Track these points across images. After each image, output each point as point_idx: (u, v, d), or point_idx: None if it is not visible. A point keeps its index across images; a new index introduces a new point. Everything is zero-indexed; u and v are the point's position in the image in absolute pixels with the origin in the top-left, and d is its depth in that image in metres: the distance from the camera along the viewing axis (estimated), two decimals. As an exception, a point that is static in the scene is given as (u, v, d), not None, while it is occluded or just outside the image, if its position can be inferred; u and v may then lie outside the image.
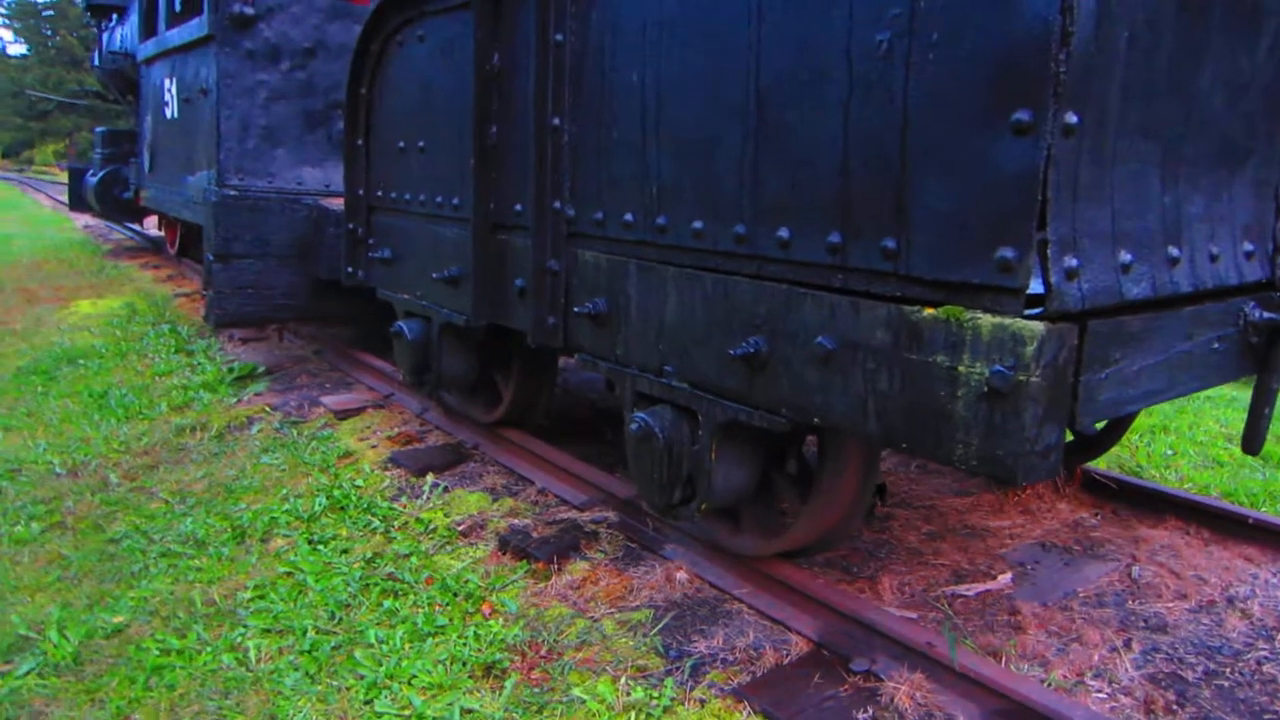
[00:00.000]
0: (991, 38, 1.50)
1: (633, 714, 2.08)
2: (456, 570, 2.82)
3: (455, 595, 2.68)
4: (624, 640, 2.38)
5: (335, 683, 2.34)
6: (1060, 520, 3.20)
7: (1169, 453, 4.32)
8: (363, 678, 2.33)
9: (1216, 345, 2.00)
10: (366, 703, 2.24)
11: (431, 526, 3.15)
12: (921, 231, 1.66)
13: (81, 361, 5.67)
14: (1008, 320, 1.53)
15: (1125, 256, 1.68)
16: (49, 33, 54.39)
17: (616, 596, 2.61)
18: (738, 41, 1.98)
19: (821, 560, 2.77)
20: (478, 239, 2.93)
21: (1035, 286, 1.54)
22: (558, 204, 2.61)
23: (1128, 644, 2.33)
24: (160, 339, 6.05)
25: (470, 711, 2.16)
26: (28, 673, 2.53)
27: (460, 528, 3.11)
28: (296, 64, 4.31)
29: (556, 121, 2.56)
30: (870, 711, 2.02)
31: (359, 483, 3.54)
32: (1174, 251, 1.82)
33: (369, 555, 2.97)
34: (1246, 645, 2.36)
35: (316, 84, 4.41)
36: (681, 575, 2.66)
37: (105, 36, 9.16)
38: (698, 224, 2.15)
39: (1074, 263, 1.54)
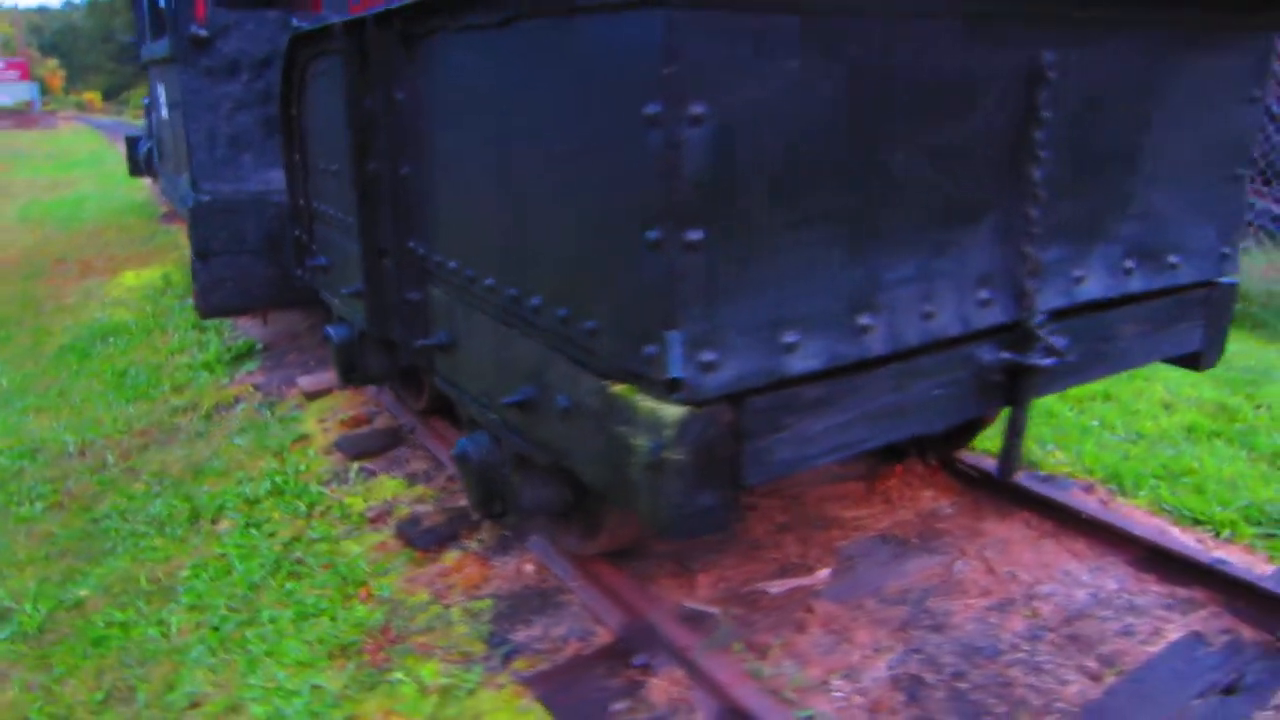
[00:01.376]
0: (629, 168, 1.73)
1: (439, 696, 2.49)
2: (353, 555, 3.27)
3: (344, 580, 3.12)
4: (462, 627, 2.78)
5: (228, 657, 2.82)
6: (916, 510, 3.42)
7: (1094, 423, 4.42)
8: (249, 653, 2.80)
9: (938, 391, 2.19)
10: (245, 675, 2.71)
11: (348, 512, 3.60)
12: (606, 321, 1.92)
13: (112, 339, 6.34)
14: (655, 404, 1.80)
15: (790, 338, 1.89)
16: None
17: (472, 585, 3.00)
18: (489, 130, 2.24)
19: (664, 552, 3.09)
20: (366, 262, 3.27)
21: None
22: (412, 243, 2.92)
23: (895, 644, 2.59)
24: (182, 315, 6.66)
25: (318, 688, 2.60)
26: (4, 639, 3.11)
27: (371, 514, 3.55)
28: (254, 75, 4.66)
29: (406, 170, 2.85)
30: (627, 703, 2.37)
31: (303, 467, 4.01)
32: (865, 320, 2.01)
33: (288, 539, 3.45)
34: (1011, 647, 2.60)
35: (275, 92, 4.76)
36: (529, 568, 3.04)
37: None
38: (489, 280, 2.44)
39: (711, 356, 1.78)
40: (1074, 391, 4.90)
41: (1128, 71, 2.28)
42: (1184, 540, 3.26)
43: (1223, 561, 2.86)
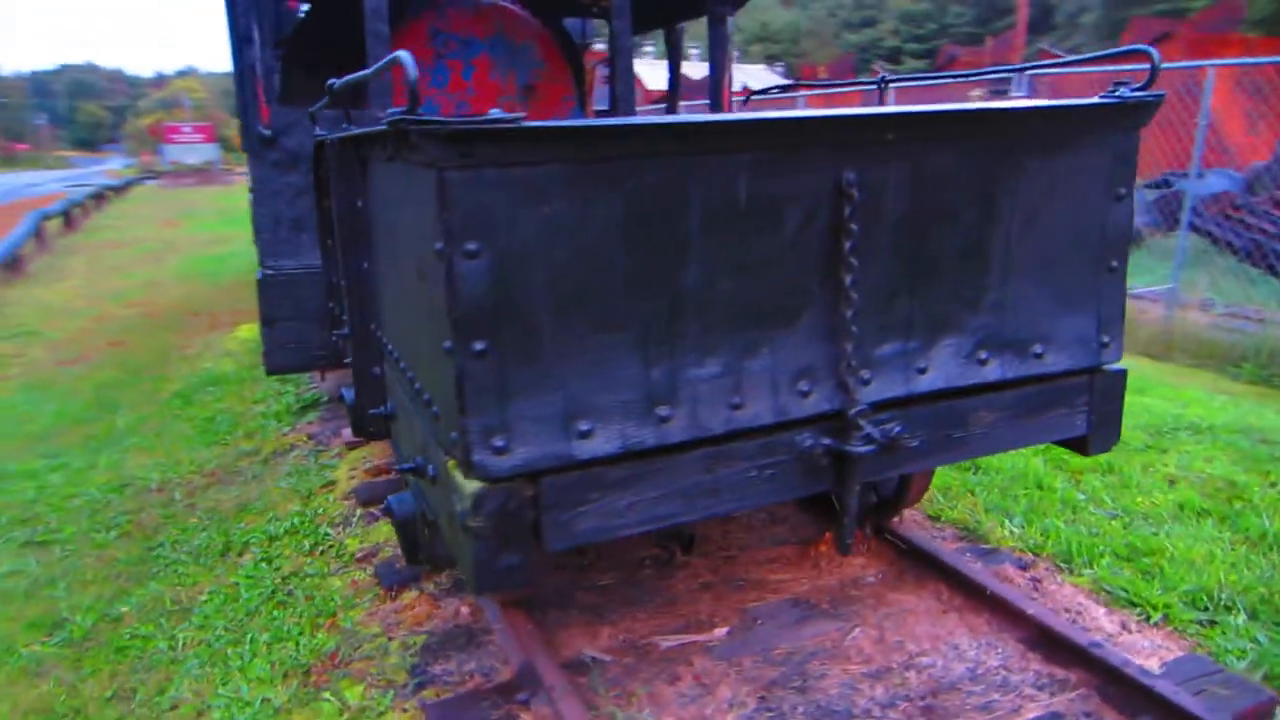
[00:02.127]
0: (432, 289, 2.15)
1: (354, 715, 2.92)
2: (333, 589, 3.78)
3: (318, 611, 3.63)
4: (394, 657, 3.22)
5: (212, 670, 3.37)
6: (840, 576, 3.61)
7: (1081, 497, 4.43)
8: (228, 668, 3.34)
9: (754, 473, 2.46)
10: (218, 686, 3.24)
11: (343, 551, 4.13)
12: (440, 409, 2.34)
13: (212, 388, 7.27)
14: (462, 480, 2.19)
15: (583, 426, 2.22)
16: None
17: (417, 622, 3.44)
18: (394, 240, 2.73)
19: (586, 603, 3.43)
20: (355, 338, 3.84)
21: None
22: (373, 325, 3.45)
23: (752, 701, 2.83)
24: (273, 367, 7.55)
25: (266, 700, 3.09)
26: (56, 644, 3.79)
27: (360, 554, 4.06)
28: (312, 166, 5.41)
29: (364, 264, 3.39)
30: (496, 732, 2.73)
31: (320, 510, 4.60)
32: (664, 411, 2.29)
33: (288, 573, 4.00)
34: (864, 712, 2.77)
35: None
36: (465, 609, 3.45)
37: None
38: (404, 364, 2.91)
39: (501, 443, 2.14)
40: (1075, 462, 4.89)
41: (953, 178, 2.46)
42: (1103, 622, 3.31)
43: (1098, 644, 2.92)
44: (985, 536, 3.99)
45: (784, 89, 7.10)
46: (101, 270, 14.84)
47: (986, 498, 4.43)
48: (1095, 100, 2.55)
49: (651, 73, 27.77)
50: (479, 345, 2.08)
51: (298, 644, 3.40)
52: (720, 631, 3.23)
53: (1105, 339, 2.81)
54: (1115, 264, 2.74)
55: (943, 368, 2.60)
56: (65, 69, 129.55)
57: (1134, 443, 5.18)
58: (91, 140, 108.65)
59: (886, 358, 2.51)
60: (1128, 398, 3.06)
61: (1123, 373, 2.89)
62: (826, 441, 2.48)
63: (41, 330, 10.13)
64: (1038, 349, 2.72)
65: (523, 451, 2.17)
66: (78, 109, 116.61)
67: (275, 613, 3.68)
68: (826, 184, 2.30)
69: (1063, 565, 3.78)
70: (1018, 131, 2.51)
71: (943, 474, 4.68)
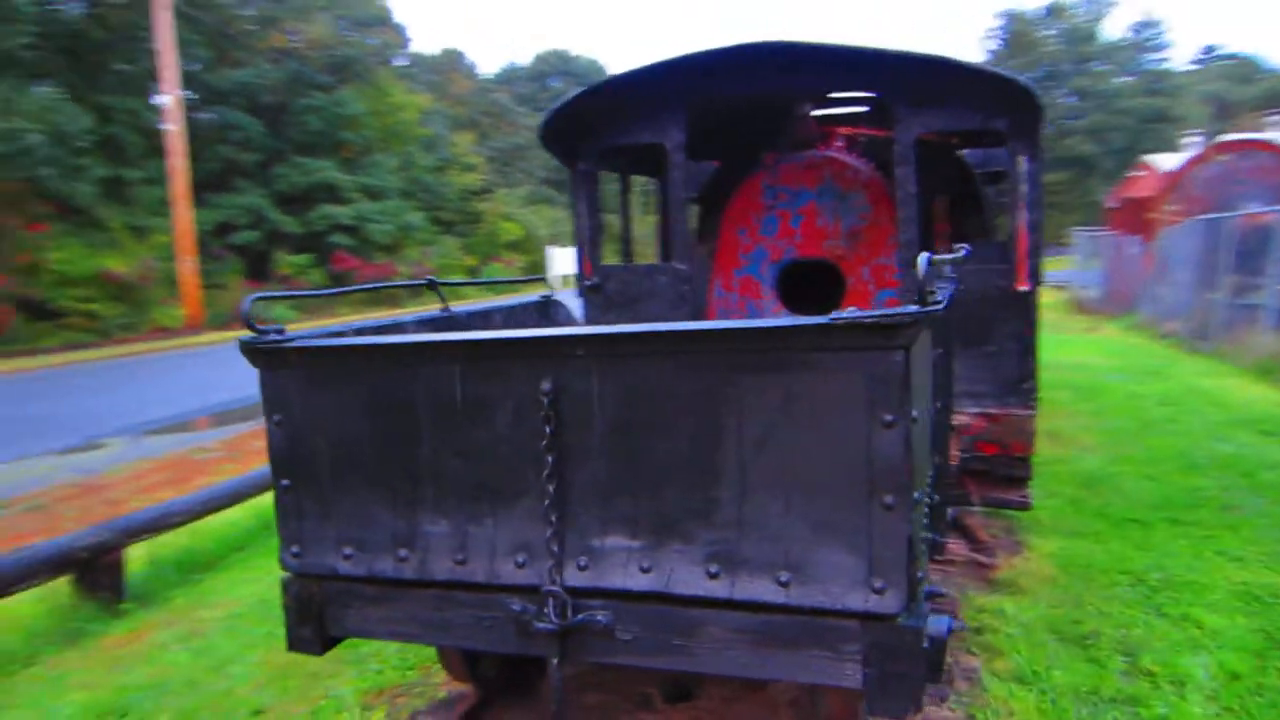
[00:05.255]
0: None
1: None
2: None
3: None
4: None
5: None
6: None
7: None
8: None
9: (475, 621, 2.78)
10: None
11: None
12: None
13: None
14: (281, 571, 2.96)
15: (346, 551, 2.84)
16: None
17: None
18: None
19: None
20: None
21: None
22: None
23: None
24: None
25: None
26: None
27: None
28: (625, 306, 6.22)
29: None
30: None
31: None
32: (403, 553, 2.78)
33: None
34: None
35: (643, 318, 6.20)
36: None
37: None
38: None
39: (296, 550, 2.89)
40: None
41: (662, 391, 2.41)
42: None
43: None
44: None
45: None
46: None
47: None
48: (823, 320, 2.21)
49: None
50: (285, 482, 2.90)
51: None
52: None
53: (878, 584, 2.31)
54: (890, 500, 2.26)
55: (666, 572, 2.51)
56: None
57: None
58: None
59: (608, 550, 2.57)
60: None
61: (915, 630, 2.34)
62: (522, 608, 2.66)
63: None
64: (782, 576, 2.40)
65: (309, 559, 2.93)
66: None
67: None
68: (527, 391, 2.56)
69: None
70: (726, 350, 2.36)
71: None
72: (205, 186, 35.89)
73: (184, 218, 17.42)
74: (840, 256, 6.41)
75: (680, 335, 2.39)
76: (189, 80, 36.31)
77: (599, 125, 6.04)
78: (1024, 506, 5.66)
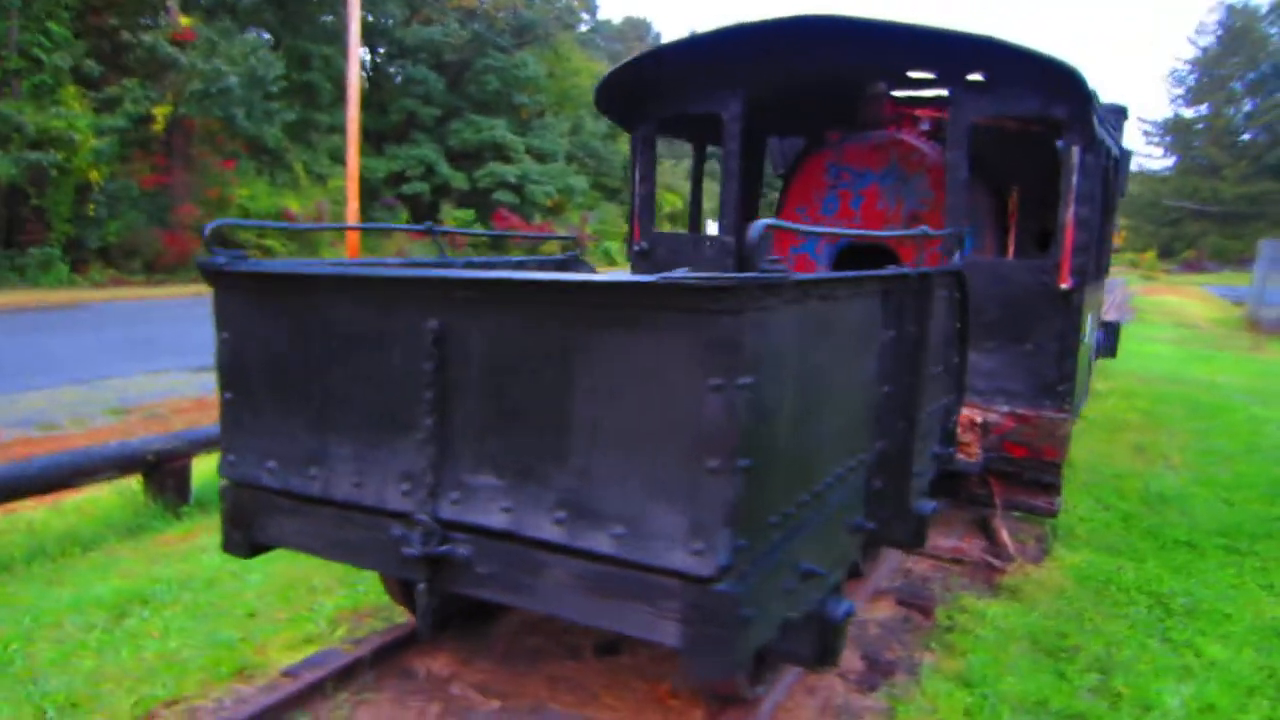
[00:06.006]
0: None
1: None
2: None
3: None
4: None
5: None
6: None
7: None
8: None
9: (367, 541, 2.92)
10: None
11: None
12: None
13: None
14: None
15: (269, 465, 3.04)
16: (1196, 144, 66.39)
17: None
18: None
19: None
20: None
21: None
22: None
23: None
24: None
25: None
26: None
27: None
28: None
29: None
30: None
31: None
32: (312, 471, 2.96)
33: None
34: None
35: None
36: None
37: None
38: None
39: (232, 459, 3.12)
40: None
41: (526, 339, 2.54)
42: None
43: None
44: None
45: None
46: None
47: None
48: (654, 279, 2.22)
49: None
50: (227, 395, 3.14)
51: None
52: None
53: (698, 546, 2.31)
54: (714, 464, 2.26)
55: (521, 512, 2.61)
56: None
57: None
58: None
59: (478, 487, 2.69)
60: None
61: (732, 596, 2.31)
62: (398, 533, 2.80)
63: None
64: (617, 529, 2.44)
65: (239, 470, 3.17)
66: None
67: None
68: (415, 328, 2.71)
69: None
70: (580, 303, 2.45)
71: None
72: (386, 138, 38.48)
73: (353, 165, 18.84)
74: (898, 241, 6.31)
75: (541, 285, 2.49)
76: (382, 34, 38.94)
77: (658, 92, 6.09)
78: (1049, 513, 5.43)
